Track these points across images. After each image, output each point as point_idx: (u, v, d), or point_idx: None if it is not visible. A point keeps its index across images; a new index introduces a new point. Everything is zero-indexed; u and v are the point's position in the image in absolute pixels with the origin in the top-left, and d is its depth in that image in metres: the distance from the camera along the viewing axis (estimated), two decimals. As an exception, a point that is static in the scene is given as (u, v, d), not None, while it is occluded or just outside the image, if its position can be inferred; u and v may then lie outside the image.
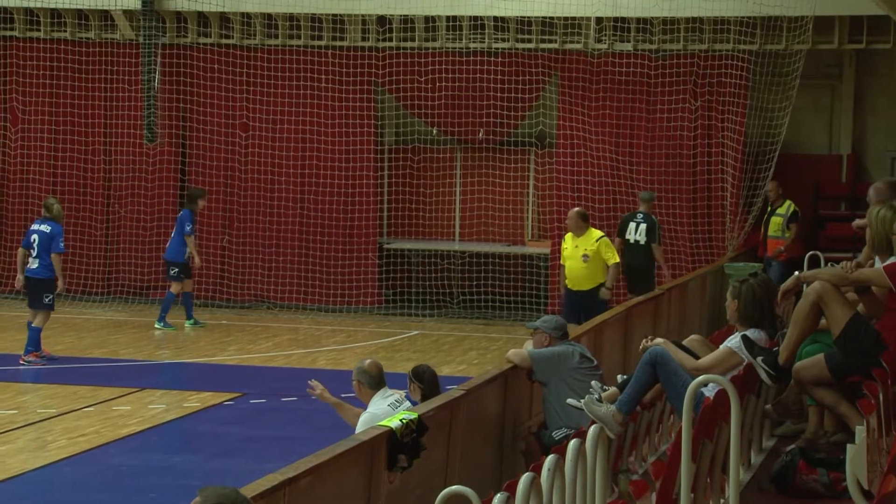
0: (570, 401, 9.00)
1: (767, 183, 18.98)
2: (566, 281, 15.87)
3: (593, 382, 8.82)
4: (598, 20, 19.87)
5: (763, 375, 8.34)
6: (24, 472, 11.53)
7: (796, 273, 9.38)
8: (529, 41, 20.20)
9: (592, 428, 7.33)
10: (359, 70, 20.64)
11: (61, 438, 12.59)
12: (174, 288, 18.89)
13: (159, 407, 14.16)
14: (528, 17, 19.98)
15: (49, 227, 16.32)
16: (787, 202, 18.51)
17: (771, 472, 8.17)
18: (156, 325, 18.86)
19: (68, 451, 12.11)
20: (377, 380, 9.28)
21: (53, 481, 11.41)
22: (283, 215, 20.92)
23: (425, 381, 9.60)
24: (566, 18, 19.90)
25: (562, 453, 6.76)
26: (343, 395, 13.58)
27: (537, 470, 6.41)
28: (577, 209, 16.35)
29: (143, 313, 20.28)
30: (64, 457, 11.96)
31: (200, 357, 17.19)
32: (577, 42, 20.06)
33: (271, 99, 20.87)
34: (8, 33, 21.39)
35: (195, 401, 14.51)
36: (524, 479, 6.06)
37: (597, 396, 8.29)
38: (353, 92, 20.70)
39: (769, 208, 18.71)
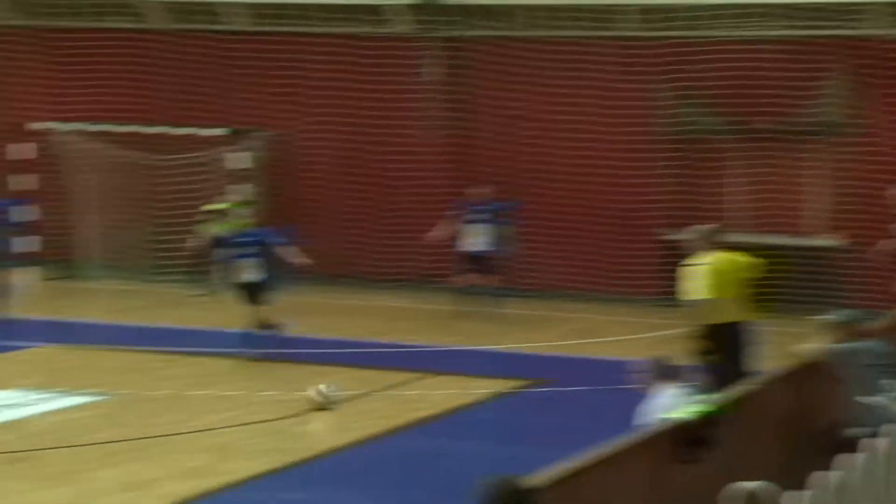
0: (870, 398, 8.77)
1: None
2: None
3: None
4: (891, 5, 19.22)
5: None
6: (324, 452, 12.07)
7: None
8: (818, 28, 19.68)
9: None
10: (637, 60, 20.54)
11: (357, 421, 13.06)
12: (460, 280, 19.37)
13: (446, 392, 14.48)
14: (819, 4, 19.45)
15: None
16: None
17: None
18: None
19: (364, 434, 12.58)
20: (667, 372, 9.26)
21: (353, 462, 11.86)
22: (564, 206, 21.01)
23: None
24: (856, 4, 19.31)
25: (863, 452, 6.62)
26: (630, 387, 13.64)
27: (840, 468, 6.30)
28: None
29: (428, 301, 20.63)
30: (360, 438, 12.45)
31: (486, 344, 17.45)
32: (868, 28, 19.45)
33: (549, 90, 20.98)
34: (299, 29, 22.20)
35: (481, 387, 14.76)
36: (827, 476, 5.96)
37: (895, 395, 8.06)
38: (632, 83, 20.61)
39: None
